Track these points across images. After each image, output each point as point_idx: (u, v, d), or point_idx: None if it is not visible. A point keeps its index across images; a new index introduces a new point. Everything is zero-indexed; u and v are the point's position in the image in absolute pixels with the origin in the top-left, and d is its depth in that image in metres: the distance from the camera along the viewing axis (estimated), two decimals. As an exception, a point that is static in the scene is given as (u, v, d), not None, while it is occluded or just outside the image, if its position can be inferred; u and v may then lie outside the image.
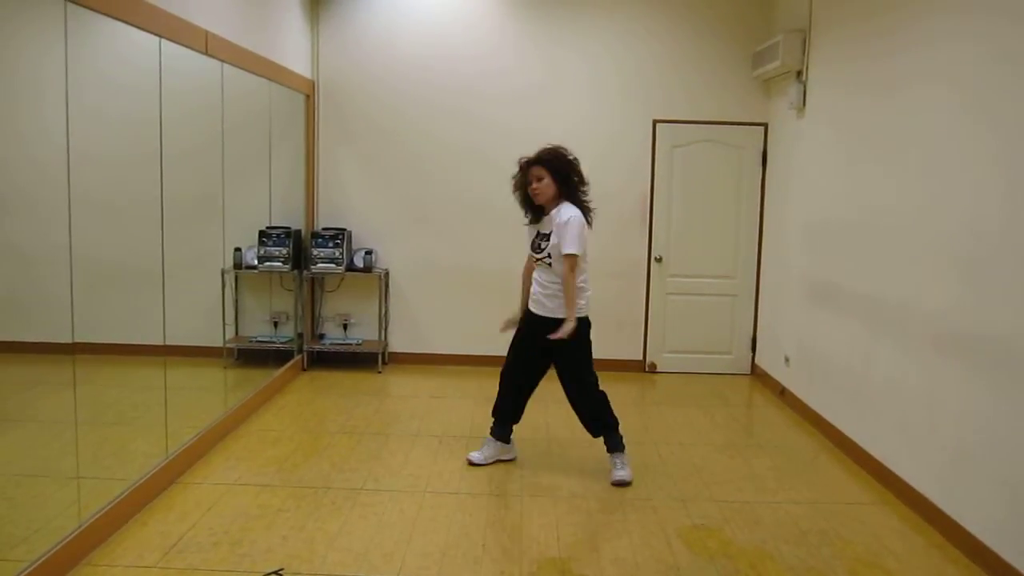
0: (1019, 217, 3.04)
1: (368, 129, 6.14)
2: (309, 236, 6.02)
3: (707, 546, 3.34)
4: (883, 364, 4.10)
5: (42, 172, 3.09)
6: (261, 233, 5.51)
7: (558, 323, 3.90)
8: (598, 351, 4.06)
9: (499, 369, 4.23)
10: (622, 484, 3.95)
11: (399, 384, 5.84)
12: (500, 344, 4.31)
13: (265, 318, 5.66)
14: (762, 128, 6.06)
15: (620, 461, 4.04)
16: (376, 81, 6.10)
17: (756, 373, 6.20)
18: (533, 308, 4.04)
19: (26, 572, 2.70)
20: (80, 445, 3.18)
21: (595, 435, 4.12)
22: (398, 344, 6.34)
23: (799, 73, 5.32)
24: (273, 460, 4.17)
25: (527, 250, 4.12)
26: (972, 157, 3.38)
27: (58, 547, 2.88)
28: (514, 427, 4.25)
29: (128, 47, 3.55)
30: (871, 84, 4.33)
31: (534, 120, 5.92)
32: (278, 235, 5.56)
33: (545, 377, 4.16)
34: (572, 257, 3.83)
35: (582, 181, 3.96)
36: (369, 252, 6.08)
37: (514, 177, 4.02)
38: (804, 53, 5.24)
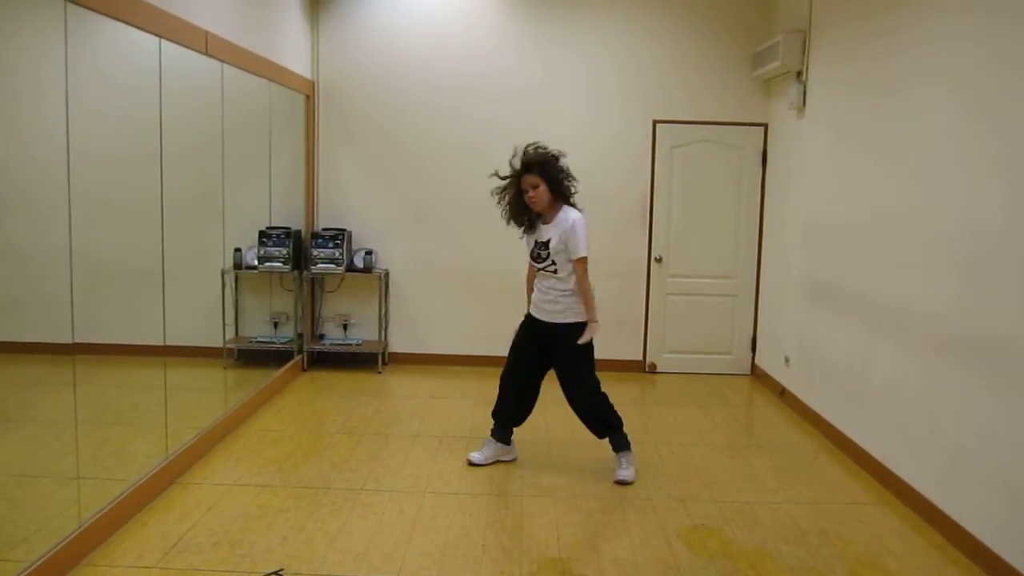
0: (1019, 218, 3.04)
1: (368, 129, 6.14)
2: (309, 236, 6.02)
3: (707, 546, 3.34)
4: (883, 364, 4.09)
5: (42, 172, 3.09)
6: (261, 233, 5.51)
7: (561, 328, 3.90)
8: (598, 351, 4.06)
9: (499, 369, 4.22)
10: (623, 483, 3.95)
11: (399, 384, 5.84)
12: (500, 344, 4.32)
13: (265, 318, 5.66)
14: (762, 128, 6.06)
15: (625, 460, 4.04)
16: (376, 81, 6.10)
17: (756, 373, 6.20)
18: (536, 314, 4.04)
19: (26, 572, 2.70)
20: (80, 445, 3.18)
21: (600, 436, 4.12)
22: (398, 344, 6.34)
23: (799, 73, 5.32)
24: (273, 460, 4.17)
25: (527, 258, 4.09)
26: (972, 157, 3.38)
27: (58, 547, 2.88)
28: (514, 428, 4.25)
29: (128, 47, 3.55)
30: (871, 84, 4.33)
31: (534, 120, 5.90)
32: (278, 235, 5.56)
33: (545, 378, 4.17)
34: (585, 260, 3.84)
35: (568, 176, 3.92)
36: (369, 252, 6.08)
37: (500, 190, 3.93)
38: (804, 53, 5.24)
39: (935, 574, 3.18)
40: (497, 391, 4.22)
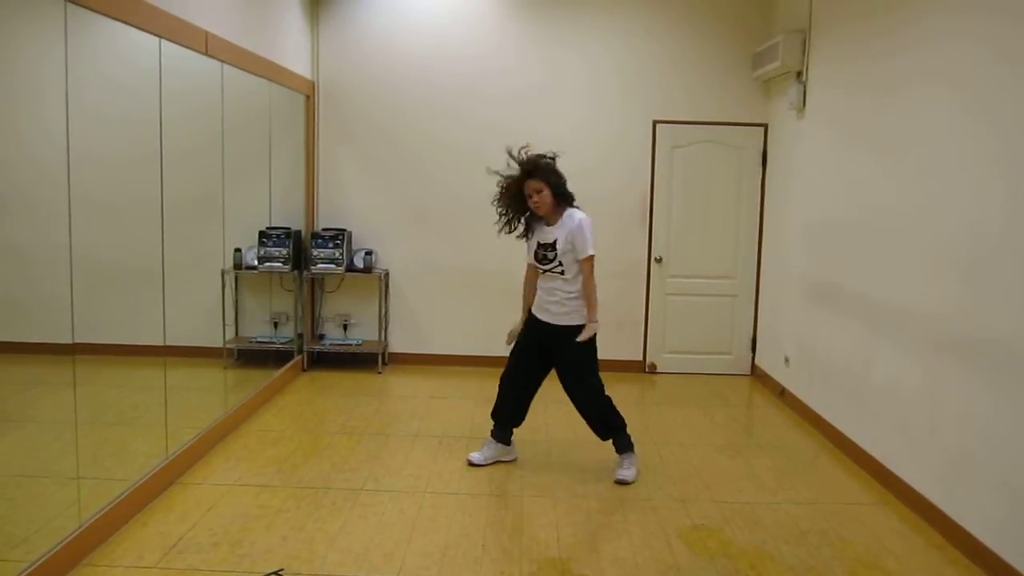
0: (1019, 218, 3.04)
1: (368, 129, 6.14)
2: (309, 236, 6.02)
3: (707, 546, 3.34)
4: (883, 364, 4.09)
5: (42, 172, 3.09)
6: (261, 233, 5.51)
7: (565, 329, 3.91)
8: (599, 351, 4.05)
9: (499, 369, 4.23)
10: (623, 483, 3.95)
11: (399, 384, 5.84)
12: (500, 345, 4.31)
13: (265, 318, 5.66)
14: (762, 129, 6.06)
15: (627, 461, 4.04)
16: (376, 81, 6.10)
17: (756, 374, 6.20)
18: (540, 315, 4.03)
19: (26, 572, 2.70)
20: (80, 445, 3.18)
21: (604, 438, 4.12)
22: (398, 344, 6.34)
23: (799, 73, 5.32)
24: (273, 460, 4.17)
25: (528, 259, 4.09)
26: (972, 157, 3.38)
27: (58, 547, 2.88)
28: (514, 428, 4.25)
29: (128, 47, 3.55)
30: (871, 84, 4.33)
31: (534, 120, 5.92)
32: (278, 235, 5.56)
33: (545, 378, 4.17)
34: (592, 258, 3.86)
35: (563, 179, 3.93)
36: (369, 252, 6.08)
37: (501, 197, 3.95)
38: (804, 53, 5.24)
39: (935, 574, 3.18)
40: (497, 391, 4.22)
